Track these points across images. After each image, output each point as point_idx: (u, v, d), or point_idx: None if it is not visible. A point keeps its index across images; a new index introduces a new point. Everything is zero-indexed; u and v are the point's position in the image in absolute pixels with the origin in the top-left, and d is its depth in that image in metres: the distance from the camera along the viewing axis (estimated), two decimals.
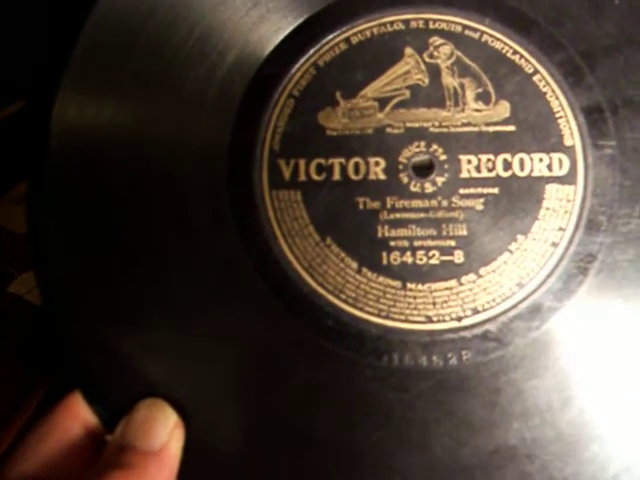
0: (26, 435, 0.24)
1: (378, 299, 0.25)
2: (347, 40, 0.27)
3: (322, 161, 0.26)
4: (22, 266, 0.34)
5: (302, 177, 0.26)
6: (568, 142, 0.26)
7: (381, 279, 0.25)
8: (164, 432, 0.23)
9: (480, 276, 0.25)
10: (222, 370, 0.24)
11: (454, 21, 0.27)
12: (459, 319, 0.25)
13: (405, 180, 0.26)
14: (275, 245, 0.25)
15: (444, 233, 0.25)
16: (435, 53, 0.27)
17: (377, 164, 0.26)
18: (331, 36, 0.27)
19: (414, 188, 0.26)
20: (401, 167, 0.26)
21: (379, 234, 0.25)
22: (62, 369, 0.26)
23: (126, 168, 0.25)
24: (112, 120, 0.26)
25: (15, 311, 0.33)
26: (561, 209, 0.25)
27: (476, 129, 0.26)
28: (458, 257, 0.25)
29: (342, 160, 0.26)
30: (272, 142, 0.26)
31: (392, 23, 0.27)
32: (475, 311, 0.25)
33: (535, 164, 0.26)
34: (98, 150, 0.26)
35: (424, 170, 0.26)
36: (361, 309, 0.25)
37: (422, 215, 0.25)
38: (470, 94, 0.26)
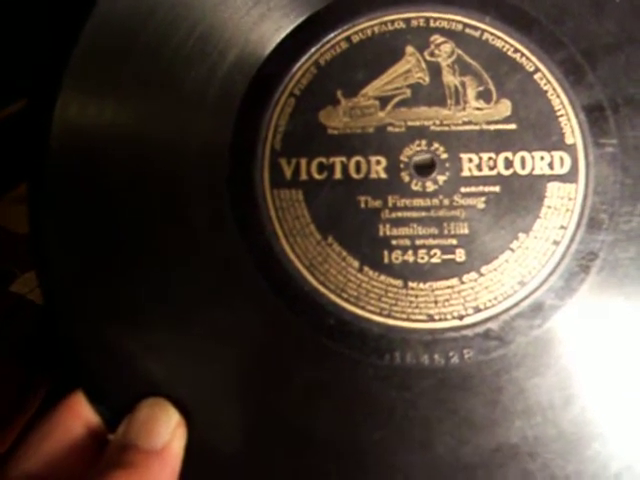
0: (28, 434, 0.24)
1: (380, 298, 0.25)
2: (348, 39, 0.27)
3: (323, 160, 0.26)
4: (24, 265, 0.34)
5: (303, 176, 0.26)
6: (569, 140, 0.26)
7: (383, 278, 0.25)
8: (166, 431, 0.23)
9: (482, 274, 0.25)
10: (223, 369, 0.24)
11: (455, 19, 0.27)
12: (461, 318, 0.25)
13: (406, 179, 0.26)
14: (276, 244, 0.25)
15: (445, 232, 0.25)
16: (436, 51, 0.27)
17: (378, 163, 0.26)
18: (332, 35, 0.27)
19: (415, 187, 0.26)
20: (402, 166, 0.26)
21: (380, 233, 0.25)
22: (63, 369, 0.26)
23: (127, 168, 0.25)
24: (113, 120, 0.26)
25: (17, 310, 0.33)
26: (562, 207, 0.25)
27: (477, 127, 0.26)
28: (459, 256, 0.25)
29: (343, 159, 0.26)
30: (273, 141, 0.26)
31: (393, 22, 0.27)
32: (477, 309, 0.25)
33: (536, 162, 0.26)
34: (99, 150, 0.26)
35: (425, 169, 0.26)
36: (363, 308, 0.25)
37: (423, 214, 0.25)
38: (471, 92, 0.26)
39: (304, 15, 0.27)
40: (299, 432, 0.24)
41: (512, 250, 0.25)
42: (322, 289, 0.25)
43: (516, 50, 0.27)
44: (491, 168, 0.26)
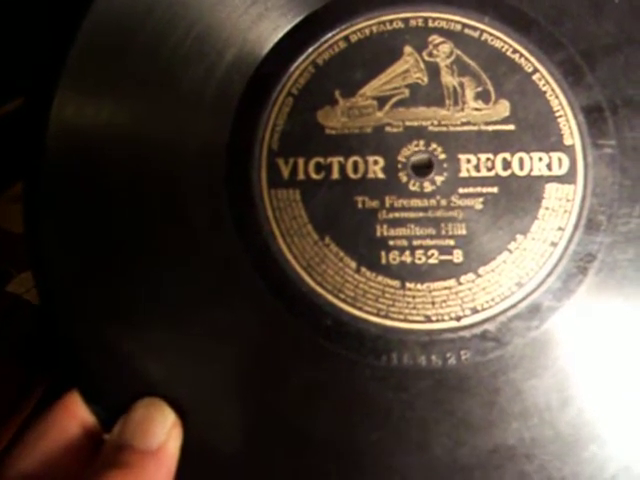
0: (24, 434, 0.24)
1: (377, 298, 0.25)
2: (346, 38, 0.27)
3: (321, 160, 0.26)
4: (21, 265, 0.34)
5: (301, 176, 0.26)
6: (568, 141, 0.26)
7: (380, 278, 0.25)
8: (162, 431, 0.23)
9: (479, 275, 0.25)
10: (221, 370, 0.24)
11: (453, 19, 0.27)
12: (458, 319, 0.25)
13: (404, 179, 0.26)
14: (274, 244, 0.25)
15: (443, 232, 0.25)
16: (434, 52, 0.27)
17: (376, 163, 0.26)
18: (330, 34, 0.27)
19: (413, 187, 0.26)
20: (400, 166, 0.26)
21: (378, 233, 0.25)
22: (61, 368, 0.26)
23: (124, 168, 0.25)
24: (110, 120, 0.26)
25: (14, 310, 0.33)
26: (560, 208, 0.25)
27: (475, 128, 0.26)
28: (457, 256, 0.25)
29: (341, 159, 0.26)
30: (271, 141, 0.26)
31: (391, 21, 0.27)
32: (474, 311, 0.25)
33: (534, 163, 0.26)
34: (96, 150, 0.26)
35: (423, 169, 0.26)
36: (360, 308, 0.25)
37: (421, 214, 0.25)
38: (469, 93, 0.26)
39: (302, 15, 0.27)
40: (297, 432, 0.24)
41: (510, 251, 0.25)
42: (319, 290, 0.25)
43: (515, 50, 0.27)
44: (489, 169, 0.26)
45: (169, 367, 0.24)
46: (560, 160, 0.26)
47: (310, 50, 0.27)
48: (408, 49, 0.27)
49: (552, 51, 0.27)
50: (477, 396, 0.24)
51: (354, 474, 0.24)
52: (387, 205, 0.25)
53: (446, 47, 0.27)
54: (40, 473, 0.23)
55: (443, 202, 0.25)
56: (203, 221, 0.25)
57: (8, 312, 0.33)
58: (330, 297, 0.25)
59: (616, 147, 0.26)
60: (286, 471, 0.24)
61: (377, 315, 0.25)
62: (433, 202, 0.25)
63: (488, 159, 0.26)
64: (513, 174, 0.26)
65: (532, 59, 0.27)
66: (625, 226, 0.25)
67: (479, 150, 0.26)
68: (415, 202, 0.26)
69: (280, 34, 0.27)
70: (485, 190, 0.26)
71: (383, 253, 0.25)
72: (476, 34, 0.27)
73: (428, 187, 0.26)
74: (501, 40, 0.27)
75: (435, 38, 0.27)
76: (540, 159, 0.26)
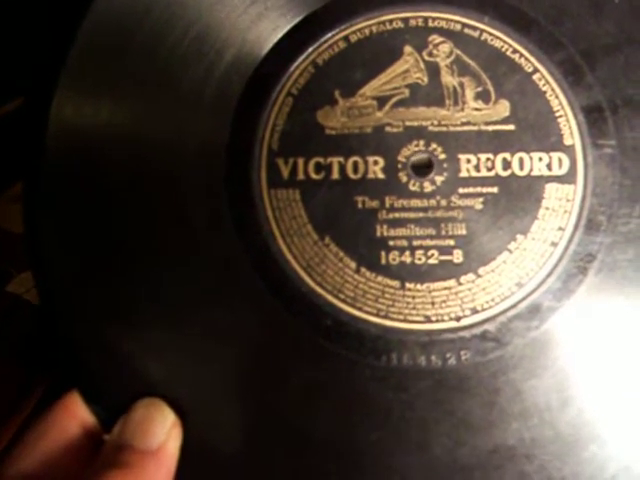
0: (24, 434, 0.24)
1: (377, 299, 0.25)
2: (346, 38, 0.27)
3: (321, 160, 0.26)
4: (21, 265, 0.34)
5: (301, 176, 0.26)
6: (568, 141, 0.26)
7: (380, 279, 0.25)
8: (162, 432, 0.23)
9: (479, 276, 0.25)
10: (221, 370, 0.24)
11: (453, 19, 0.27)
12: (458, 319, 0.25)
13: (404, 179, 0.26)
14: (273, 244, 0.25)
15: (443, 232, 0.25)
16: (434, 51, 0.27)
17: (376, 163, 0.26)
18: (330, 34, 0.27)
19: (413, 187, 0.26)
20: (400, 166, 0.26)
21: (378, 233, 0.25)
22: (61, 368, 0.26)
23: (124, 168, 0.25)
24: (109, 120, 0.26)
25: (14, 310, 0.33)
26: (560, 208, 0.25)
27: (475, 128, 0.26)
28: (457, 257, 0.25)
29: (341, 159, 0.26)
30: (270, 141, 0.26)
31: (391, 21, 0.27)
32: (474, 311, 0.25)
33: (535, 163, 0.26)
34: (95, 150, 0.26)
35: (423, 169, 0.26)
36: (360, 309, 0.25)
37: (421, 214, 0.25)
38: (469, 93, 0.26)
39: (301, 14, 0.27)
40: (297, 432, 0.24)
41: (510, 251, 0.25)
42: (319, 290, 0.25)
43: (515, 50, 0.27)
44: (489, 169, 0.26)
45: (169, 367, 0.24)
46: (560, 160, 0.26)
47: (310, 50, 0.27)
48: (408, 49, 0.27)
49: (552, 51, 0.26)
50: (477, 396, 0.24)
51: (354, 474, 0.24)
52: (387, 205, 0.25)
53: (446, 47, 0.27)
54: (40, 473, 0.23)
55: (443, 202, 0.25)
56: (203, 221, 0.25)
57: (8, 312, 0.33)
58: (330, 297, 0.25)
59: (616, 147, 0.26)
60: (286, 471, 0.24)
61: (377, 315, 0.25)
62: (433, 202, 0.25)
63: (488, 159, 0.26)
64: (513, 174, 0.26)
65: (532, 59, 0.26)
66: (625, 226, 0.25)
67: (479, 150, 0.26)
68: (415, 202, 0.25)
69: (280, 34, 0.27)
70: (485, 190, 0.26)
71: (383, 253, 0.25)
72: (476, 34, 0.27)
73: (428, 187, 0.26)
74: (501, 40, 0.27)
75: (435, 38, 0.27)
76: (540, 159, 0.26)
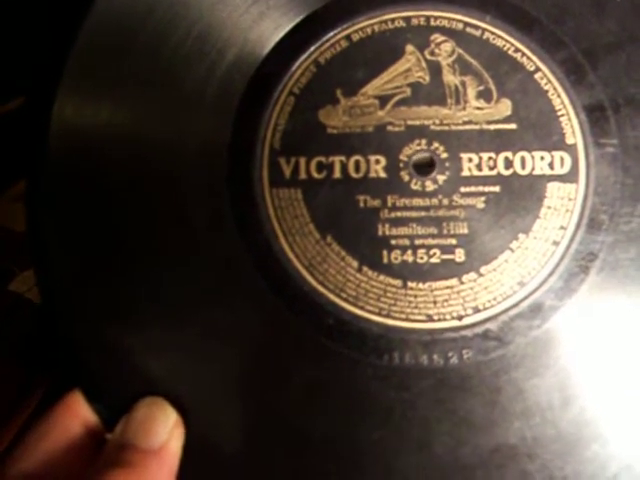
0: (26, 433, 0.24)
1: (379, 298, 0.25)
2: (348, 37, 0.27)
3: (322, 159, 0.26)
4: (23, 264, 0.34)
5: (302, 175, 0.26)
6: (570, 140, 0.26)
7: (382, 278, 0.25)
8: (164, 431, 0.23)
9: (481, 275, 0.25)
10: (222, 369, 0.24)
11: (455, 18, 0.27)
12: (460, 318, 0.25)
13: (406, 178, 0.26)
14: (275, 243, 0.25)
15: (445, 231, 0.25)
16: (436, 50, 0.27)
17: (378, 162, 0.26)
18: (332, 33, 0.27)
19: (415, 186, 0.26)
20: (402, 165, 0.26)
21: (380, 232, 0.25)
22: (62, 368, 0.26)
23: (126, 167, 0.25)
24: (111, 119, 0.26)
25: (15, 309, 0.33)
26: (562, 208, 0.25)
27: (477, 127, 0.26)
28: (459, 256, 0.25)
29: (343, 158, 0.26)
30: (272, 140, 0.26)
31: (393, 20, 0.27)
32: (476, 310, 0.25)
33: (536, 162, 0.26)
34: (97, 149, 0.26)
35: (425, 168, 0.26)
36: (362, 308, 0.25)
37: (423, 213, 0.25)
38: (471, 92, 0.26)
39: (303, 13, 0.27)
40: (298, 431, 0.24)
41: (512, 250, 0.25)
42: (321, 289, 0.25)
43: (517, 49, 0.27)
44: (491, 168, 0.26)
45: (170, 366, 0.24)
46: (562, 159, 0.26)
47: (312, 49, 0.27)
48: (410, 48, 0.27)
49: (554, 50, 0.26)
50: (479, 395, 0.24)
51: (355, 474, 0.24)
52: (389, 204, 0.25)
53: (448, 46, 0.27)
54: (42, 473, 0.23)
55: (445, 201, 0.25)
56: (204, 221, 0.25)
57: (9, 311, 0.33)
58: (332, 296, 0.25)
59: (618, 146, 0.26)
60: (286, 470, 0.24)
61: (379, 314, 0.25)
62: (435, 201, 0.25)
63: (490, 158, 0.26)
64: (515, 173, 0.26)
65: (534, 58, 0.26)
66: (627, 225, 0.25)
67: (481, 149, 0.26)
68: (417, 201, 0.25)
69: (281, 33, 0.27)
70: (487, 189, 0.26)
71: (385, 252, 0.25)
72: (478, 33, 0.27)
73: (430, 186, 0.26)
74: (503, 39, 0.27)
75: (437, 37, 0.27)
76: (542, 158, 0.26)
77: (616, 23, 0.26)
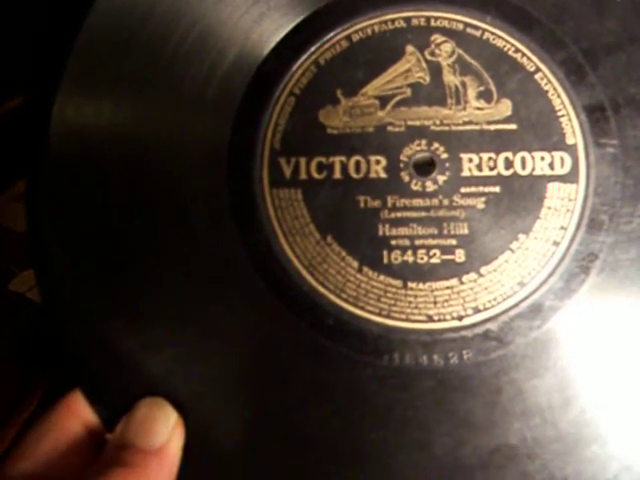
0: (26, 433, 0.24)
1: (379, 298, 0.25)
2: (348, 38, 0.27)
3: (323, 159, 0.26)
4: (23, 263, 0.34)
5: (303, 175, 0.26)
6: (570, 140, 0.26)
7: (382, 278, 0.25)
8: (164, 431, 0.23)
9: (481, 275, 0.25)
10: (222, 369, 0.24)
11: (456, 19, 0.27)
12: (460, 318, 0.25)
13: (406, 179, 0.26)
14: (275, 244, 0.25)
15: (445, 232, 0.25)
16: (436, 51, 0.27)
17: (378, 162, 0.26)
18: (332, 34, 0.27)
19: (415, 187, 0.26)
20: (402, 165, 0.26)
21: (380, 233, 0.25)
22: (62, 368, 0.26)
23: (126, 167, 0.25)
24: (111, 119, 0.26)
25: (16, 309, 0.33)
26: (563, 208, 0.25)
27: (477, 127, 0.26)
28: (459, 256, 0.25)
29: (343, 158, 0.26)
30: (273, 140, 0.26)
31: (393, 21, 0.27)
32: (476, 310, 0.25)
33: (537, 163, 0.26)
34: (97, 149, 0.26)
35: (425, 168, 0.26)
36: (362, 308, 0.25)
37: (423, 214, 0.25)
38: (471, 92, 0.26)
39: (304, 14, 0.27)
40: (297, 431, 0.24)
41: (512, 251, 0.25)
42: (321, 289, 0.25)
43: (517, 50, 0.27)
44: (491, 168, 0.26)
45: (170, 366, 0.24)
46: (562, 159, 0.26)
47: (312, 49, 0.27)
48: (410, 48, 0.27)
49: (554, 50, 0.26)
50: (479, 396, 0.24)
51: (354, 474, 0.24)
52: (389, 205, 0.25)
53: (448, 46, 0.27)
54: (43, 473, 0.23)
55: (445, 201, 0.25)
56: (204, 220, 0.25)
57: (10, 311, 0.33)
58: (332, 296, 0.25)
59: (618, 146, 0.26)
60: (287, 470, 0.24)
61: (379, 315, 0.25)
62: (435, 201, 0.25)
63: (490, 158, 0.26)
64: (515, 173, 0.26)
65: (534, 58, 0.26)
66: (627, 225, 0.25)
67: (481, 149, 0.26)
68: (417, 201, 0.25)
69: (282, 33, 0.27)
70: (487, 189, 0.26)
71: (385, 253, 0.25)
72: (478, 33, 0.27)
73: (430, 186, 0.26)
74: (503, 39, 0.27)
75: (437, 37, 0.27)
76: (542, 158, 0.26)
77: (616, 23, 0.26)
